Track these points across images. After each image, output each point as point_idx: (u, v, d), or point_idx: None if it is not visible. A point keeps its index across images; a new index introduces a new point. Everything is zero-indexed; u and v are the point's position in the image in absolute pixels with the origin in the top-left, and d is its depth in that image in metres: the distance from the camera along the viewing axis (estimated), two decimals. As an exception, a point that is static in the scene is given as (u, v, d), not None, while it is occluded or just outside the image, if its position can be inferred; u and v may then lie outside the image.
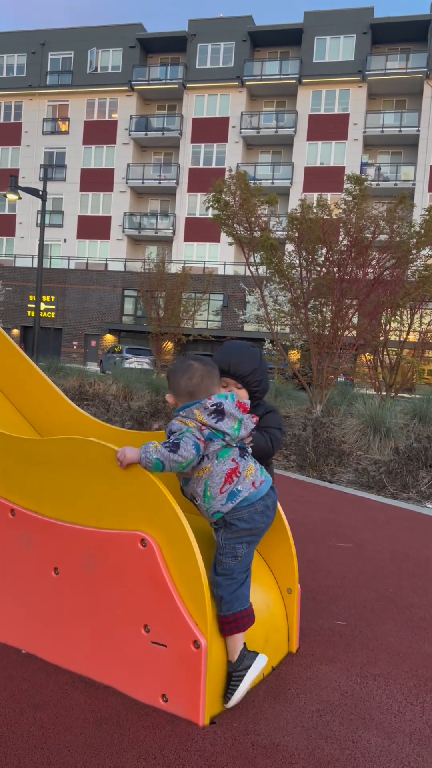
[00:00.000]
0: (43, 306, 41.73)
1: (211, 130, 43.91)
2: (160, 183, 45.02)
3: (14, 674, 2.37)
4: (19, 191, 21.47)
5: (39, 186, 43.63)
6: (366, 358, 13.77)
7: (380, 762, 2.00)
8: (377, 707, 2.33)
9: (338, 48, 41.84)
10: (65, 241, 45.93)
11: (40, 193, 21.66)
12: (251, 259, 11.96)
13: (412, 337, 13.33)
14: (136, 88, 44.72)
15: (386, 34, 41.27)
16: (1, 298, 33.05)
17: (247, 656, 2.28)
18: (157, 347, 25.90)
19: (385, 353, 13.09)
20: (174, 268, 32.73)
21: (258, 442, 2.59)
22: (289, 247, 11.87)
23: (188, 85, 43.98)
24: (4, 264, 45.22)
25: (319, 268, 11.20)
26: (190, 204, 44.28)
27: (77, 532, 2.39)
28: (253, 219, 11.57)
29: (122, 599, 2.27)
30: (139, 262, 34.47)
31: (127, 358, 30.32)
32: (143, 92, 45.28)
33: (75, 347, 42.25)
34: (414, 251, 11.82)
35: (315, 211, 11.06)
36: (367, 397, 10.54)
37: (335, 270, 10.93)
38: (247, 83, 42.98)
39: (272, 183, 41.62)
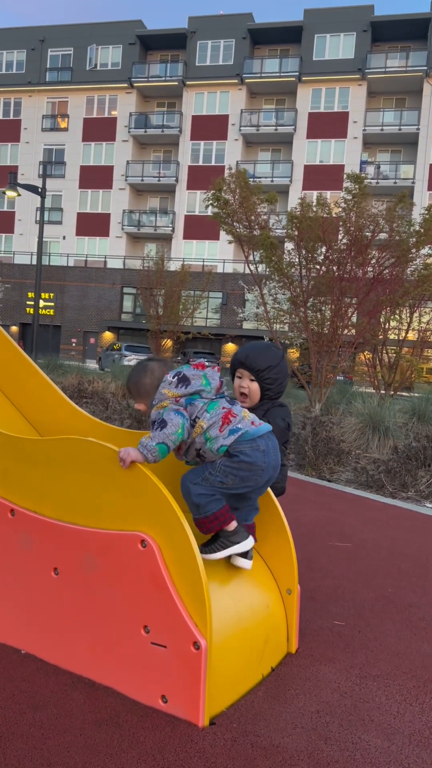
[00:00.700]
0: (41, 303, 41.67)
1: (211, 127, 43.85)
2: (159, 180, 44.95)
3: (14, 674, 2.37)
4: (18, 188, 21.43)
5: (38, 183, 43.49)
6: (365, 356, 13.77)
7: (380, 763, 2.00)
8: (377, 708, 2.33)
9: (338, 46, 41.78)
10: (64, 238, 45.87)
11: (39, 190, 21.62)
12: (251, 258, 11.95)
13: (411, 336, 13.33)
14: (135, 85, 44.63)
15: (386, 32, 41.21)
16: (0, 296, 32.96)
17: (241, 533, 2.39)
18: (156, 345, 25.87)
19: (384, 352, 13.09)
20: (173, 266, 32.70)
21: (274, 422, 2.65)
22: (289, 245, 11.86)
23: (188, 83, 43.90)
24: (2, 261, 45.16)
25: (318, 267, 11.19)
26: (190, 201, 44.23)
27: (77, 533, 2.39)
28: (252, 217, 11.57)
29: (122, 600, 2.27)
30: (138, 259, 34.46)
31: (126, 356, 30.29)
32: (143, 89, 45.20)
33: (74, 344, 42.21)
34: (413, 250, 11.83)
35: (315, 209, 11.05)
36: (366, 395, 10.54)
37: (335, 268, 10.93)
38: (246, 81, 42.91)
39: (272, 181, 41.56)
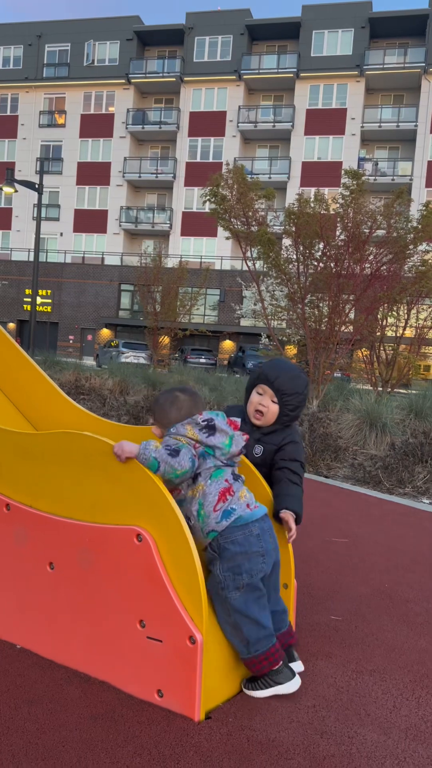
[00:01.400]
0: (39, 300, 41.61)
1: (209, 124, 43.79)
2: (157, 177, 44.90)
3: (9, 669, 2.36)
4: (15, 184, 21.39)
5: (35, 179, 43.44)
6: (363, 353, 13.77)
7: (376, 757, 2.00)
8: (373, 703, 2.33)
9: (336, 42, 41.74)
10: (61, 234, 45.83)
11: (36, 186, 21.58)
12: (248, 254, 11.94)
13: (409, 333, 13.34)
14: (133, 81, 44.55)
15: (384, 29, 41.19)
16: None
17: (285, 672, 2.28)
18: (154, 342, 25.86)
19: (381, 349, 13.10)
20: (171, 263, 32.69)
21: (300, 497, 2.65)
22: (286, 241, 11.85)
23: (186, 79, 43.83)
24: (0, 257, 45.07)
25: (316, 263, 11.18)
26: (187, 198, 44.19)
27: (72, 527, 2.38)
28: (250, 213, 11.55)
29: (118, 594, 2.26)
30: (135, 256, 34.43)
31: (123, 353, 30.30)
32: (140, 85, 45.11)
33: (71, 341, 42.19)
34: (411, 246, 11.82)
35: (312, 205, 11.04)
36: (363, 392, 10.54)
37: (332, 265, 10.93)
38: (244, 77, 42.86)
39: (269, 177, 41.53)
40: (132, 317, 41.12)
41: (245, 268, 12.59)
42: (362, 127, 41.59)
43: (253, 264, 11.97)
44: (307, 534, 4.44)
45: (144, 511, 2.23)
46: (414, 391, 11.61)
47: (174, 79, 43.99)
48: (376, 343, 12.83)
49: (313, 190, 12.51)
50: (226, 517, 2.25)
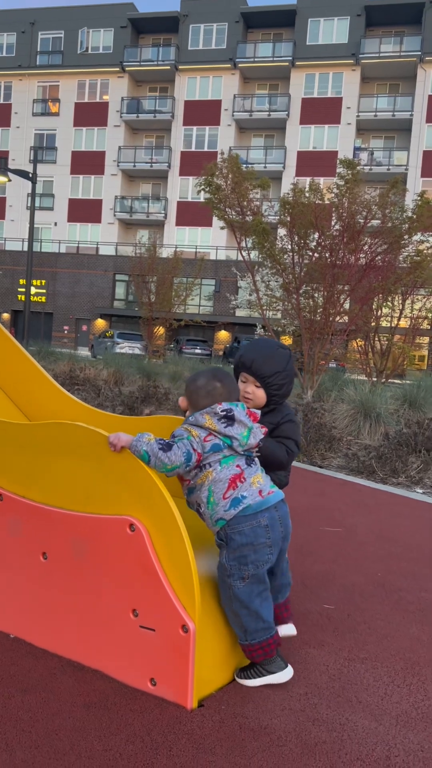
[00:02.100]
0: (33, 290, 41.44)
1: (204, 113, 43.54)
2: (151, 166, 44.67)
3: (2, 658, 2.37)
4: (9, 173, 21.23)
5: (29, 168, 43.17)
6: (357, 343, 13.78)
7: (367, 744, 2.02)
8: (365, 690, 2.34)
9: (332, 30, 41.48)
10: (56, 224, 45.60)
11: (30, 175, 21.43)
12: (243, 244, 11.90)
13: (404, 323, 13.35)
14: (127, 69, 44.21)
15: (380, 17, 40.95)
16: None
17: (276, 662, 2.29)
18: (149, 332, 25.81)
19: (376, 339, 13.11)
20: (165, 253, 32.59)
21: (275, 451, 2.53)
22: (281, 231, 11.81)
23: (180, 67, 43.52)
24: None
25: (311, 253, 11.16)
26: (182, 188, 43.99)
27: (66, 517, 2.38)
28: (245, 203, 11.51)
29: (111, 584, 2.27)
30: (130, 246, 34.29)
31: (118, 343, 30.24)
32: (135, 74, 44.78)
33: (66, 332, 42.08)
34: (406, 236, 11.80)
35: (307, 195, 11.00)
36: (357, 382, 10.56)
37: (327, 255, 10.91)
38: (240, 65, 42.58)
39: (265, 167, 41.36)
40: (127, 307, 41.01)
41: (240, 258, 12.54)
42: (358, 116, 41.42)
43: (248, 254, 11.94)
44: (301, 523, 4.45)
45: (137, 501, 2.24)
46: (408, 382, 11.64)
47: (169, 68, 43.68)
48: (371, 334, 12.84)
49: (308, 179, 12.47)
50: (235, 505, 2.24)
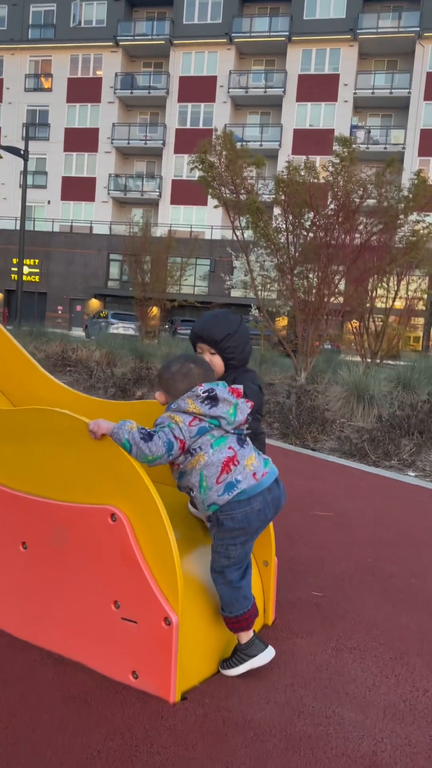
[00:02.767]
0: (26, 270, 41.08)
1: (199, 89, 42.87)
2: (146, 144, 44.06)
3: (-18, 650, 2.31)
4: (0, 151, 20.90)
5: (21, 145, 42.56)
6: (352, 325, 13.69)
7: (353, 738, 1.97)
8: (352, 681, 2.30)
9: (329, 4, 40.75)
10: (49, 202, 45.04)
11: (22, 152, 21.10)
12: (237, 223, 11.73)
13: (399, 305, 13.26)
14: (121, 44, 43.40)
15: (379, -9, 40.20)
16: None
17: (256, 645, 2.26)
18: (142, 313, 25.62)
19: (371, 320, 13.02)
20: (160, 232, 32.24)
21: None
22: (276, 210, 11.63)
23: (175, 42, 42.75)
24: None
25: (305, 233, 11.01)
26: (177, 166, 43.43)
27: (46, 506, 2.32)
28: (239, 181, 11.32)
29: (92, 575, 2.21)
30: (124, 225, 33.93)
31: (112, 324, 29.99)
32: (128, 48, 43.98)
33: (60, 312, 41.79)
34: (402, 216, 11.66)
35: (302, 173, 10.82)
36: (352, 364, 10.49)
37: (322, 235, 10.76)
38: (235, 40, 41.84)
39: (261, 145, 40.87)
40: (121, 288, 40.65)
41: (235, 237, 12.35)
42: (355, 93, 40.84)
43: (242, 233, 11.77)
44: (292, 508, 4.40)
45: (119, 491, 2.17)
46: (402, 363, 11.58)
47: (163, 42, 42.89)
48: (366, 315, 12.75)
49: (304, 158, 12.23)
50: (229, 490, 2.17)
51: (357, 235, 11.04)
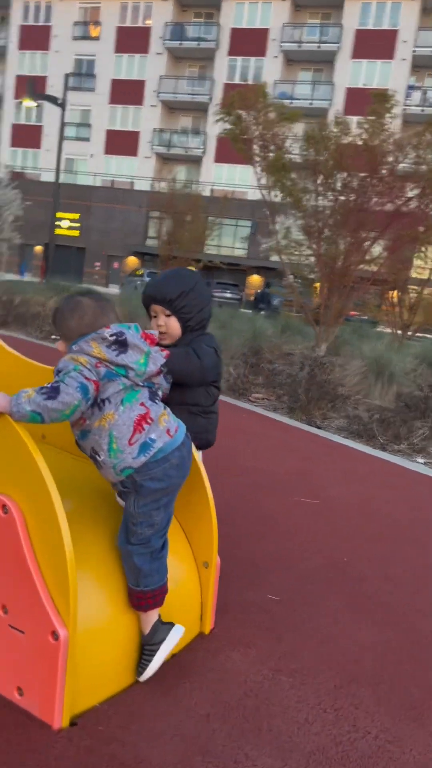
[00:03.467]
0: (67, 224, 40.87)
1: (250, 42, 41.29)
2: (192, 98, 42.89)
3: None
4: (38, 99, 20.45)
5: (67, 95, 41.85)
6: (385, 295, 13.05)
7: (260, 792, 1.65)
8: (281, 714, 1.97)
9: None
10: (92, 156, 44.43)
11: (59, 101, 20.61)
12: (263, 181, 11.08)
13: (436, 276, 12.53)
14: (172, -9, 41.97)
15: None
16: (21, 213, 32.16)
17: (161, 629, 2.01)
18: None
19: (403, 291, 12.37)
20: (201, 190, 31.47)
21: (181, 359, 2.24)
22: (304, 170, 10.94)
23: (228, -9, 41.11)
24: (29, 178, 44.03)
25: (335, 195, 10.34)
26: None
27: None
28: (268, 136, 10.66)
29: (-19, 572, 1.91)
30: (166, 182, 33.26)
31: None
32: (180, -3, 42.51)
33: (97, 268, 41.57)
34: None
35: (335, 131, 10.11)
36: (377, 336, 9.97)
37: (353, 197, 10.10)
38: (291, -9, 40.02)
39: (311, 104, 39.36)
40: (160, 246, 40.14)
41: (270, 198, 11.65)
42: (414, 51, 38.79)
43: (269, 192, 11.13)
44: (274, 491, 4.06)
45: (12, 477, 1.85)
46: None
47: (216, -9, 41.30)
48: (398, 285, 12.09)
49: (355, 118, 11.40)
50: (144, 451, 1.91)
51: (391, 200, 10.31)
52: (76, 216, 41.02)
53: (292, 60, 41.90)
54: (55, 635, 1.74)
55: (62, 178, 42.62)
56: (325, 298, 10.37)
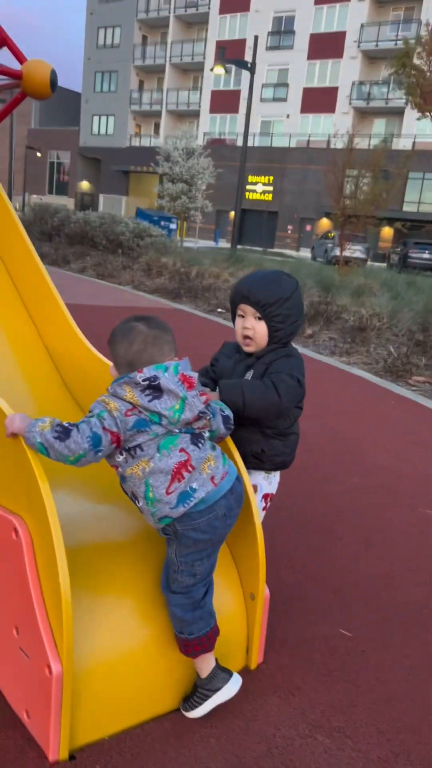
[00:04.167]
0: (260, 188, 41.02)
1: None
2: (396, 44, 40.04)
3: None
4: (229, 64, 20.46)
5: (266, 57, 41.59)
6: None
7: None
8: (300, 784, 1.76)
9: None
10: (288, 116, 43.77)
11: (249, 65, 20.44)
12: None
13: None
14: None
15: None
16: (212, 181, 32.81)
17: (219, 677, 1.92)
18: (341, 235, 23.88)
19: None
20: (402, 144, 29.52)
21: (255, 392, 2.06)
22: None
23: None
24: (227, 143, 44.66)
25: None
26: None
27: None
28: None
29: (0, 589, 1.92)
30: (364, 137, 31.71)
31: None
32: None
33: (289, 232, 41.27)
34: None
35: None
36: None
37: None
38: None
39: None
40: (356, 207, 38.65)
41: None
42: None
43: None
44: (395, 500, 3.66)
45: (23, 500, 1.82)
46: None
47: None
48: None
49: None
50: (183, 501, 1.77)
51: None
52: (269, 179, 40.91)
53: None
54: (49, 669, 1.69)
55: (257, 141, 42.77)
56: None
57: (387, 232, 30.79)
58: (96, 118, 51.34)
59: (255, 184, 41.41)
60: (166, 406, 1.74)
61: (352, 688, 2.14)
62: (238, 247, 32.42)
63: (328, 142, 41.62)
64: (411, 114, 39.98)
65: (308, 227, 40.77)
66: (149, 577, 2.00)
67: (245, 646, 2.18)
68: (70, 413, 2.79)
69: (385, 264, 31.01)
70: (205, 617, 1.89)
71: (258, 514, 2.13)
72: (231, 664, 2.14)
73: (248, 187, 41.08)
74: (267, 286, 2.14)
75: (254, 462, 2.27)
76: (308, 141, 42.32)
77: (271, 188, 41.29)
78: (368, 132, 36.75)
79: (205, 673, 1.92)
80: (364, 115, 42.53)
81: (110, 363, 1.94)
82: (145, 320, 1.87)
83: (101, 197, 50.78)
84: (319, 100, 42.70)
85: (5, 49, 5.40)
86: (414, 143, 37.29)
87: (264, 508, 2.37)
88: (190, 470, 1.77)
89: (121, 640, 1.89)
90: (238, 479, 1.93)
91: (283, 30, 43.03)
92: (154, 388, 1.74)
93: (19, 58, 5.81)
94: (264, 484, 2.33)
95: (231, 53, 40.64)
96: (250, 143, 43.04)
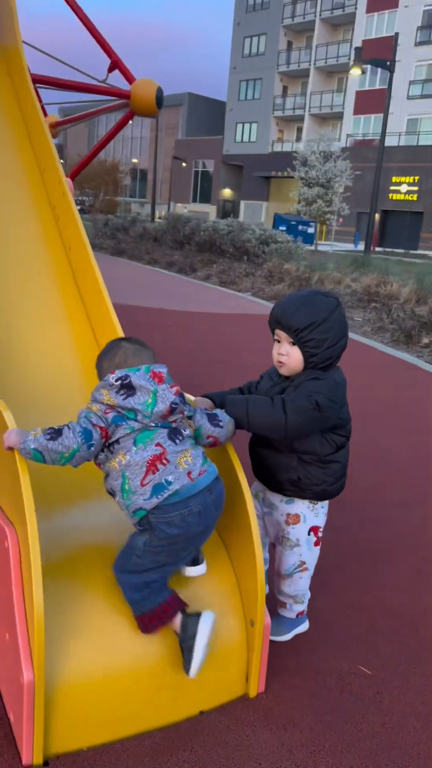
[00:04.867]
0: (405, 188, 39.47)
1: None
2: None
3: None
4: (366, 64, 19.95)
5: (414, 53, 40.08)
6: None
7: None
8: None
9: None
10: (437, 113, 41.75)
11: (388, 63, 19.80)
12: None
13: None
14: None
15: None
16: (350, 184, 32.02)
17: (189, 623, 1.92)
18: None
19: None
20: None
21: (261, 408, 2.06)
22: None
23: None
24: (373, 144, 43.45)
25: None
26: None
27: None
28: None
29: (-1, 593, 2.03)
30: None
31: None
32: None
33: (434, 233, 39.33)
34: None
35: None
36: None
37: None
38: None
39: None
40: None
41: None
42: None
43: None
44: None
45: (16, 510, 1.91)
46: None
47: None
48: None
49: None
50: (157, 492, 1.84)
51: None
52: (415, 179, 39.26)
53: None
54: (21, 677, 1.76)
55: (403, 141, 41.23)
56: None
57: None
58: (239, 126, 52.14)
59: (399, 184, 39.94)
60: (139, 401, 1.85)
61: (353, 732, 2.01)
62: (377, 249, 31.46)
63: None
64: None
65: (455, 228, 38.60)
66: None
67: (245, 674, 2.13)
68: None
69: None
70: (155, 591, 1.90)
71: (258, 535, 2.07)
72: (230, 692, 2.11)
73: (392, 187, 39.73)
74: (299, 310, 2.08)
75: (293, 490, 2.21)
76: (458, 137, 40.09)
77: (416, 188, 39.58)
78: None
79: (178, 628, 1.91)
80: None
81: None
82: (127, 339, 2.04)
83: (242, 204, 51.49)
84: (471, 94, 40.33)
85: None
86: None
87: (316, 543, 2.29)
88: (165, 463, 1.84)
89: (107, 654, 1.93)
90: (218, 479, 1.94)
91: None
92: (127, 387, 1.86)
93: (129, 78, 6.05)
94: (309, 515, 2.25)
95: (377, 52, 39.50)
96: (395, 143, 41.65)
